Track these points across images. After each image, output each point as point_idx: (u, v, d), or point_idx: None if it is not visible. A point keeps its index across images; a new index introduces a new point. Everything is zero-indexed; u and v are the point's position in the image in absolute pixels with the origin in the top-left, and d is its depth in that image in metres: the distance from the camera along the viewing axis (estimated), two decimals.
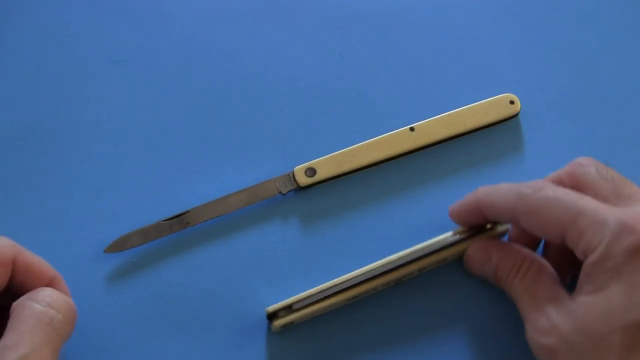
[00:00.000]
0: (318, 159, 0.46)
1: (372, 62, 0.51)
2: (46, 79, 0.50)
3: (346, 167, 0.46)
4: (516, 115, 0.49)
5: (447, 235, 0.42)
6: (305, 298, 0.41)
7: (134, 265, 0.44)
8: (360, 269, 0.41)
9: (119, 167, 0.47)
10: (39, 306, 0.35)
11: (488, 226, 0.42)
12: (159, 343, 0.42)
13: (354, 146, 0.47)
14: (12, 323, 0.34)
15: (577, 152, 0.48)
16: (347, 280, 0.41)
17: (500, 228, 0.42)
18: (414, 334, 0.42)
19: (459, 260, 0.43)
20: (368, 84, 0.51)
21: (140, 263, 0.44)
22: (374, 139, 0.47)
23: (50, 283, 0.38)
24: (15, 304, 0.35)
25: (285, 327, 0.41)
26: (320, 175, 0.46)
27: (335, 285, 0.41)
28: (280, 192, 0.46)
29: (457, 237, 0.42)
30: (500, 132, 0.49)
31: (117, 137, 0.48)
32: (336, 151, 0.47)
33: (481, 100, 0.49)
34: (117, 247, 0.44)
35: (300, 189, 0.46)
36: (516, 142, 0.49)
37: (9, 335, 0.33)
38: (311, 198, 0.47)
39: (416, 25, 0.53)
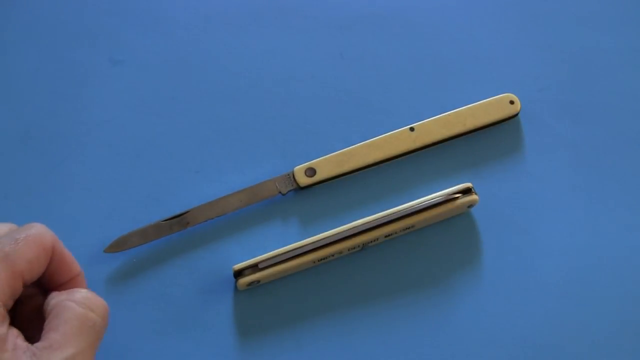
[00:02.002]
0: (318, 159, 0.46)
1: (372, 62, 0.51)
2: (46, 79, 0.50)
3: (346, 167, 0.46)
4: (516, 115, 0.49)
5: (411, 204, 0.43)
6: (271, 257, 0.42)
7: (134, 266, 0.44)
8: (326, 232, 0.43)
9: (119, 167, 0.47)
10: (80, 309, 0.35)
11: (455, 195, 0.43)
12: (159, 343, 0.42)
13: (354, 146, 0.47)
14: (53, 323, 0.34)
15: (577, 152, 0.48)
16: (314, 242, 0.42)
17: (468, 198, 0.43)
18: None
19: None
20: (368, 84, 0.51)
21: (140, 263, 0.44)
22: (374, 139, 0.47)
23: (75, 278, 0.38)
24: (54, 302, 0.35)
25: (251, 285, 0.42)
26: (320, 175, 0.46)
27: (302, 247, 0.42)
28: (280, 192, 0.46)
29: (423, 205, 0.43)
30: (500, 132, 0.49)
31: (117, 137, 0.48)
32: (336, 151, 0.47)
33: (481, 100, 0.49)
34: (117, 247, 0.44)
35: (300, 189, 0.46)
36: (516, 142, 0.49)
37: (52, 335, 0.33)
38: (311, 198, 0.47)
39: (416, 25, 0.53)
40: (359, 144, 0.47)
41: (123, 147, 0.48)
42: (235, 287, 0.43)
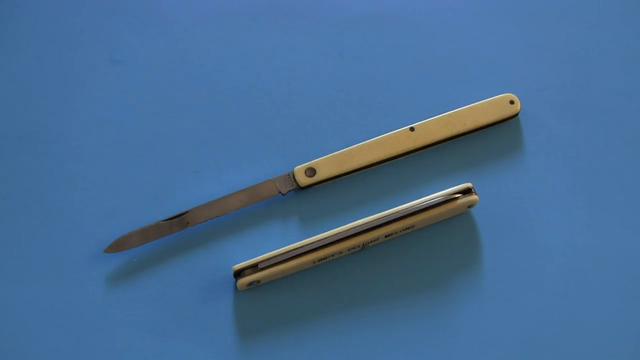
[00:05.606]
0: (318, 159, 0.46)
1: (372, 62, 0.51)
2: (46, 78, 0.50)
3: (346, 167, 0.46)
4: (516, 115, 0.49)
5: (411, 204, 0.43)
6: (271, 257, 0.42)
7: (134, 266, 0.44)
8: (326, 232, 0.43)
9: (119, 167, 0.47)
10: None
11: (455, 195, 0.43)
12: (159, 343, 0.42)
13: (354, 146, 0.47)
14: None
15: (577, 153, 0.48)
16: (314, 242, 0.42)
17: (468, 198, 0.43)
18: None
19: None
20: (368, 84, 0.51)
21: (140, 263, 0.44)
22: (374, 139, 0.47)
23: None
24: None
25: (251, 285, 0.42)
26: (320, 175, 0.46)
27: (302, 247, 0.42)
28: (280, 192, 0.46)
29: (423, 205, 0.43)
30: (500, 132, 0.49)
31: (117, 137, 0.48)
32: (336, 151, 0.47)
33: (481, 100, 0.49)
34: (117, 247, 0.44)
35: (300, 189, 0.46)
36: (516, 142, 0.49)
37: None
38: (311, 198, 0.47)
39: (416, 25, 0.53)
40: (359, 144, 0.47)
41: (123, 147, 0.48)
42: (235, 287, 0.43)
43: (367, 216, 0.43)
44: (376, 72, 0.51)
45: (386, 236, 0.44)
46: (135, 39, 0.52)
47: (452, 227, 0.46)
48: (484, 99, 0.49)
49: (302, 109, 0.50)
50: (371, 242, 0.43)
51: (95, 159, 0.48)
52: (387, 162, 0.47)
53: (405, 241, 0.45)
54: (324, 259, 0.43)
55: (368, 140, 0.47)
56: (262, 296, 0.43)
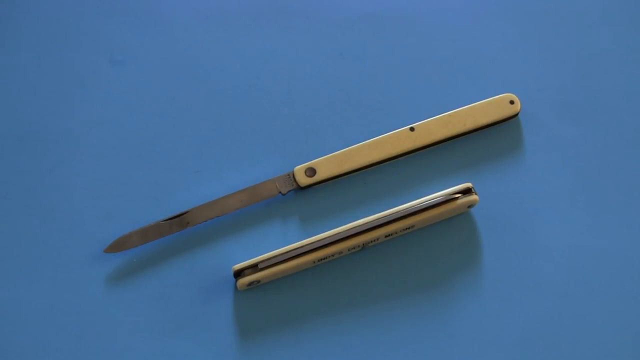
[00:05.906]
0: (318, 159, 0.46)
1: (372, 62, 0.51)
2: (46, 79, 0.50)
3: (346, 167, 0.46)
4: (516, 115, 0.49)
5: (411, 204, 0.43)
6: (271, 257, 0.42)
7: (134, 266, 0.44)
8: (326, 232, 0.43)
9: (119, 167, 0.47)
10: None
11: (455, 195, 0.43)
12: (159, 343, 0.42)
13: (354, 146, 0.47)
14: None
15: (577, 153, 0.48)
16: (314, 242, 0.42)
17: (468, 198, 0.43)
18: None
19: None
20: (368, 84, 0.51)
21: (140, 263, 0.44)
22: (374, 139, 0.47)
23: None
24: None
25: (251, 285, 0.42)
26: (320, 175, 0.46)
27: (302, 247, 0.42)
28: (280, 192, 0.46)
29: (423, 205, 0.43)
30: (500, 132, 0.49)
31: (117, 137, 0.48)
32: (336, 151, 0.47)
33: (481, 100, 0.49)
34: (117, 247, 0.44)
35: (300, 189, 0.46)
36: (516, 142, 0.49)
37: None
38: (311, 198, 0.47)
39: (416, 25, 0.53)
40: (359, 144, 0.47)
41: (123, 147, 0.48)
42: (235, 287, 0.43)
43: (367, 216, 0.43)
44: (376, 72, 0.51)
45: (386, 236, 0.44)
46: (135, 39, 0.52)
47: (452, 227, 0.46)
48: (484, 99, 0.49)
49: (302, 109, 0.50)
50: (371, 242, 0.43)
51: (95, 159, 0.48)
52: (387, 162, 0.47)
53: (405, 241, 0.45)
54: (324, 259, 0.43)
55: (368, 140, 0.47)
56: (262, 296, 0.43)
